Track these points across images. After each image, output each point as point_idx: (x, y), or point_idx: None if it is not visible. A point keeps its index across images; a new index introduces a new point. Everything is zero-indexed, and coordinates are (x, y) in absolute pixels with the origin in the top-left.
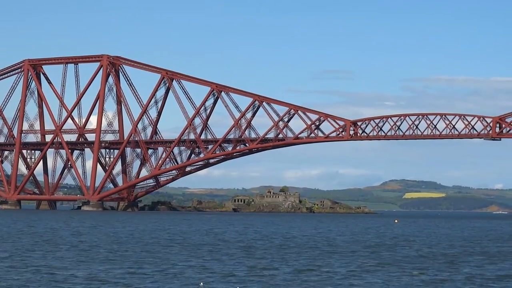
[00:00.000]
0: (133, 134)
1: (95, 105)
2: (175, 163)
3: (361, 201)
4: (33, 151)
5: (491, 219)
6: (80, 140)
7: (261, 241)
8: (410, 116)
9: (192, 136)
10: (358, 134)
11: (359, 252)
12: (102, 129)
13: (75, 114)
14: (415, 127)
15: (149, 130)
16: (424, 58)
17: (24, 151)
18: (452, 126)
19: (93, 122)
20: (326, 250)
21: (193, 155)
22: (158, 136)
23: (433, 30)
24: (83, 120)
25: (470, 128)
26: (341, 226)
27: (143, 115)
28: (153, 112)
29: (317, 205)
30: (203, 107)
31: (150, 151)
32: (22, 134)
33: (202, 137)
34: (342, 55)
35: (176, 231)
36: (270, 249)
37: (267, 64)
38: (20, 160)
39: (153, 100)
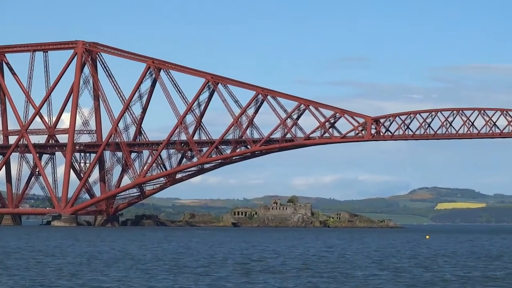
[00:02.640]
0: (113, 135)
1: (68, 101)
2: (163, 169)
3: (385, 213)
4: None
5: None
6: (50, 142)
7: (255, 263)
8: (442, 112)
9: (183, 137)
10: (381, 134)
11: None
12: (76, 129)
13: (44, 111)
14: (448, 124)
15: (133, 130)
16: (458, 42)
17: None
18: (492, 123)
19: (65, 121)
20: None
21: (184, 160)
22: (143, 137)
23: (469, 8)
24: (54, 119)
25: None
26: (360, 243)
27: (125, 112)
28: (137, 109)
29: (333, 218)
30: (196, 102)
31: (133, 155)
32: None
33: (195, 137)
34: (360, 40)
35: (162, 252)
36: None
37: (272, 51)
38: None
39: (137, 94)
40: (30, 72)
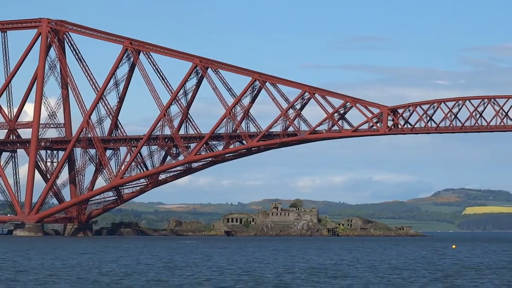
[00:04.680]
0: (84, 129)
1: (31, 89)
2: (144, 169)
3: (404, 220)
4: None
5: None
6: (11, 138)
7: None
8: (471, 100)
9: (167, 131)
10: (400, 126)
11: None
12: (41, 122)
13: (3, 101)
14: (478, 115)
15: (108, 124)
16: (490, 20)
17: None
18: None
19: (28, 113)
20: None
21: (168, 158)
22: (119, 131)
23: None
24: (15, 110)
25: None
26: (375, 255)
27: (98, 102)
28: (112, 98)
29: (343, 225)
30: (182, 91)
31: (108, 152)
32: None
33: (181, 132)
34: (377, 16)
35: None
36: None
37: (271, 30)
38: None
39: (112, 81)
40: None
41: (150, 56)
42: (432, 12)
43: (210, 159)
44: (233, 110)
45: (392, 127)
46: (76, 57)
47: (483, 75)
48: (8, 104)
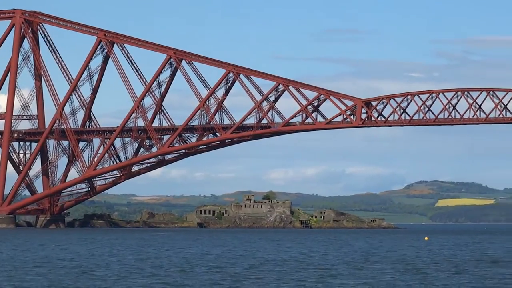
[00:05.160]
0: (58, 121)
1: (4, 81)
2: (117, 161)
3: (377, 212)
4: None
5: None
6: None
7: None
8: (445, 93)
9: (140, 123)
10: (373, 119)
11: None
12: (14, 113)
13: None
14: (451, 107)
15: (81, 115)
16: (464, 12)
17: None
18: (503, 106)
19: (1, 104)
20: None
21: (142, 150)
22: (93, 123)
23: None
24: None
25: None
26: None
27: (71, 94)
28: (86, 90)
29: (316, 217)
30: (156, 82)
31: (81, 144)
32: None
33: (155, 123)
34: (351, 9)
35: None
36: None
37: (245, 21)
38: None
39: (86, 72)
40: None
41: (124, 48)
42: (406, 4)
43: (184, 151)
44: (206, 102)
45: (366, 119)
46: (50, 48)
47: (456, 68)
48: None
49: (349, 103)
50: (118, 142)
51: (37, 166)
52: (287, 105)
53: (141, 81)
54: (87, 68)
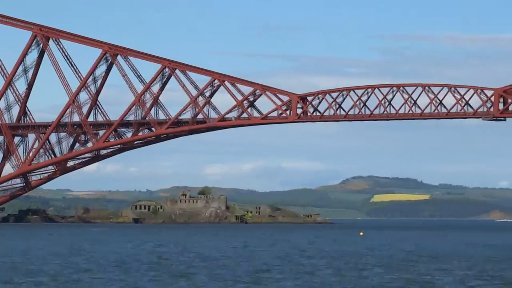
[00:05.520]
0: None
1: None
2: (52, 156)
3: (312, 207)
4: None
5: (495, 231)
6: None
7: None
8: (380, 88)
9: (76, 118)
10: (309, 114)
11: None
12: None
13: None
14: (387, 103)
15: (16, 110)
16: (401, 8)
17: None
18: (438, 101)
19: None
20: None
21: (77, 145)
22: (28, 118)
23: None
24: None
25: (463, 105)
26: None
27: (6, 89)
28: (21, 85)
29: (251, 212)
30: (91, 77)
31: (16, 139)
32: None
33: (90, 119)
34: (288, 6)
35: None
36: None
37: (182, 16)
38: None
39: (21, 67)
40: None
41: (60, 43)
42: (344, 0)
43: (119, 146)
44: (142, 97)
45: (301, 114)
46: None
47: (392, 63)
48: None
49: (285, 98)
50: (53, 137)
51: None
52: (223, 100)
53: (77, 76)
54: (23, 63)
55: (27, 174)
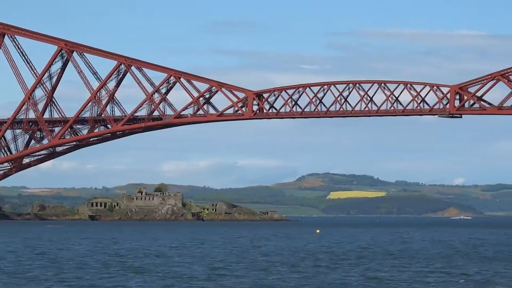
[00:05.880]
0: None
1: None
2: (8, 153)
3: (269, 204)
4: None
5: (450, 228)
6: None
7: None
8: (336, 85)
9: (31, 115)
10: (265, 111)
11: None
12: None
13: None
14: (343, 100)
15: None
16: (357, 4)
17: None
18: (395, 98)
19: None
20: None
21: (33, 142)
22: None
23: None
24: None
25: (420, 102)
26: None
27: None
28: None
29: (208, 209)
30: (47, 74)
31: None
32: None
33: (46, 115)
34: (243, 1)
35: None
36: None
37: (137, 13)
38: None
39: None
40: None
41: (15, 39)
42: None
43: (75, 143)
44: (98, 94)
45: (257, 111)
46: None
47: (349, 60)
48: None
49: (241, 95)
50: (9, 134)
51: None
52: (179, 97)
53: (32, 72)
54: None
55: None
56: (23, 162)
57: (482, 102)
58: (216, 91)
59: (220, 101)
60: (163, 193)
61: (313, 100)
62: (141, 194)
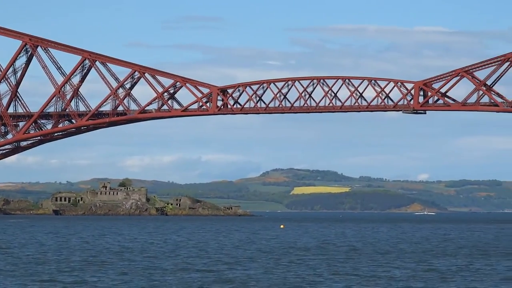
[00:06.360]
0: None
1: None
2: None
3: (232, 199)
4: None
5: (413, 223)
6: None
7: None
8: (301, 81)
9: None
10: (229, 106)
11: None
12: None
13: None
14: (307, 95)
15: None
16: (320, 1)
17: None
18: (359, 94)
19: None
20: None
21: None
22: None
23: None
24: None
25: (384, 97)
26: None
27: None
28: None
29: (172, 204)
30: (11, 69)
31: None
32: None
33: (10, 110)
34: None
35: None
36: None
37: (101, 7)
38: None
39: None
40: None
41: None
42: None
43: (39, 138)
44: (62, 89)
45: (222, 107)
46: None
47: (313, 56)
48: None
49: (205, 90)
50: None
51: None
52: (143, 92)
53: None
54: None
55: None
56: None
57: (446, 98)
58: (181, 87)
59: (185, 96)
60: (127, 188)
61: (278, 95)
62: (105, 189)
